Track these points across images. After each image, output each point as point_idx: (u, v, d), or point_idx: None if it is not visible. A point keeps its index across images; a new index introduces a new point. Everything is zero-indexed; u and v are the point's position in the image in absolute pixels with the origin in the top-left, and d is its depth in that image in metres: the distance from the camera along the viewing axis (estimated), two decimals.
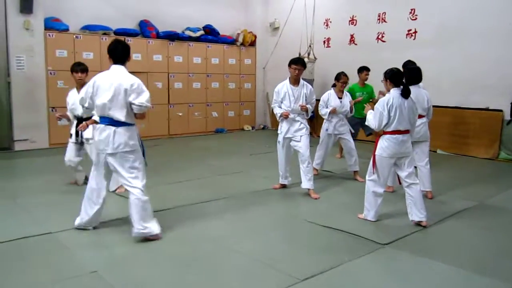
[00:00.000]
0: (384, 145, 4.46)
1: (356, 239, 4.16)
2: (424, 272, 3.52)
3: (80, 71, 5.58)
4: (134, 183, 3.98)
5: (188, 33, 10.91)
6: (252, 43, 12.19)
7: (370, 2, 9.91)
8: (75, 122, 5.62)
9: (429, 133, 5.48)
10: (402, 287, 3.28)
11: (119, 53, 4.03)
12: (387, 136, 4.45)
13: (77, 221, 4.25)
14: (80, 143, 5.63)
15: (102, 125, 4.01)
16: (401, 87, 4.47)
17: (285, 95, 5.55)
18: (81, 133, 5.49)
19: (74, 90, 5.67)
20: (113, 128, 3.94)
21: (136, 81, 3.94)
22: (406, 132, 4.48)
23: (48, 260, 3.62)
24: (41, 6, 8.55)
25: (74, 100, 5.42)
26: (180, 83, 10.78)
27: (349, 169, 6.54)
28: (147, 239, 3.99)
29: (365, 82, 7.57)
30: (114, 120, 3.94)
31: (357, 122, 7.17)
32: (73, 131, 5.65)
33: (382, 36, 9.75)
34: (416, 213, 4.47)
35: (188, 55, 10.88)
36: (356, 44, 10.26)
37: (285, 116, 5.53)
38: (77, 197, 5.27)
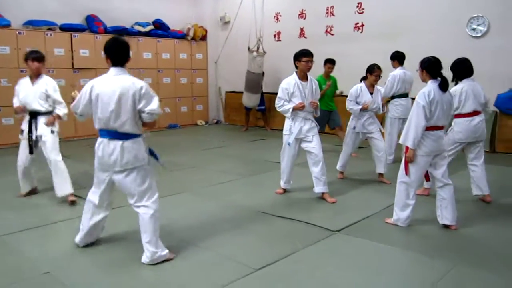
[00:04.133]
0: (421, 142, 4.08)
1: (309, 227, 4.29)
2: (375, 256, 3.69)
3: (37, 60, 4.87)
4: (144, 201, 3.53)
5: (137, 28, 10.73)
6: (203, 38, 12.14)
7: None
8: (27, 117, 4.97)
9: (485, 131, 5.00)
10: (354, 271, 3.41)
11: (118, 53, 3.43)
12: (426, 132, 4.07)
13: (78, 238, 3.81)
14: (33, 140, 4.93)
15: (105, 139, 3.44)
16: (439, 78, 4.14)
17: (294, 92, 4.96)
18: (35, 129, 4.90)
19: (27, 80, 4.98)
20: (119, 142, 3.40)
21: (144, 85, 3.40)
22: (442, 127, 4.19)
23: None
24: None
25: (27, 91, 4.89)
26: None
27: (377, 170, 5.94)
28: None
29: (329, 74, 7.71)
30: (119, 133, 3.40)
31: (323, 115, 6.94)
32: (24, 126, 4.98)
33: (331, 30, 9.97)
34: (446, 217, 4.19)
35: (138, 50, 10.68)
36: (306, 38, 10.42)
37: (301, 108, 4.94)
38: (25, 198, 5.15)
